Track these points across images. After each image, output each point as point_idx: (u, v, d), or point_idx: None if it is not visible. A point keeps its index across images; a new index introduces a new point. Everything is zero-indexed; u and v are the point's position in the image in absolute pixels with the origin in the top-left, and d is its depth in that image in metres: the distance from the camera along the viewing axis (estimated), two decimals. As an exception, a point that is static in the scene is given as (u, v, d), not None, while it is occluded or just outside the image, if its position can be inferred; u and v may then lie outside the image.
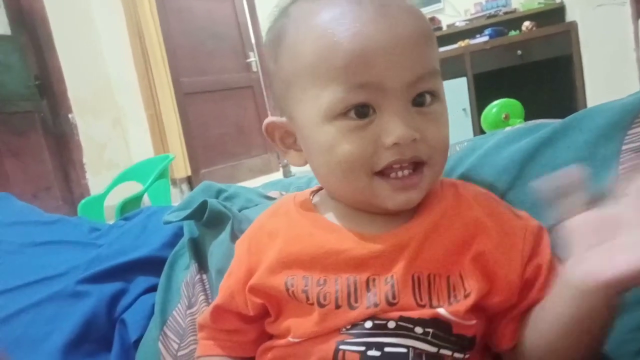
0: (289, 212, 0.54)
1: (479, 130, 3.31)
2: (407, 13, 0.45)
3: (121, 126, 3.52)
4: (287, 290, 0.47)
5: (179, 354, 0.72)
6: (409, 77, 0.44)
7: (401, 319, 0.44)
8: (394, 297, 0.44)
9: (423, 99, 0.46)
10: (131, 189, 2.85)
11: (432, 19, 3.82)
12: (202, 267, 0.81)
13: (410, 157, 0.45)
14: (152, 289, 0.86)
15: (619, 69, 2.94)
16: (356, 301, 0.45)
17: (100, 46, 3.42)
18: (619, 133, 0.51)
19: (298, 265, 0.48)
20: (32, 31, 3.08)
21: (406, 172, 0.46)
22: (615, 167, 0.50)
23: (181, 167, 3.77)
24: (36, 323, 0.78)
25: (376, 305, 0.44)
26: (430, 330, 0.43)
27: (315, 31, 0.46)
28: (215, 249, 0.78)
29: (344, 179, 0.47)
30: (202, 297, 0.74)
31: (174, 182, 3.72)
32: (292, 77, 0.48)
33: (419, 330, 0.43)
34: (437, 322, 0.43)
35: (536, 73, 3.50)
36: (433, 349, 0.43)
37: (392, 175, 0.46)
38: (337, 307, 0.45)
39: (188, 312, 0.75)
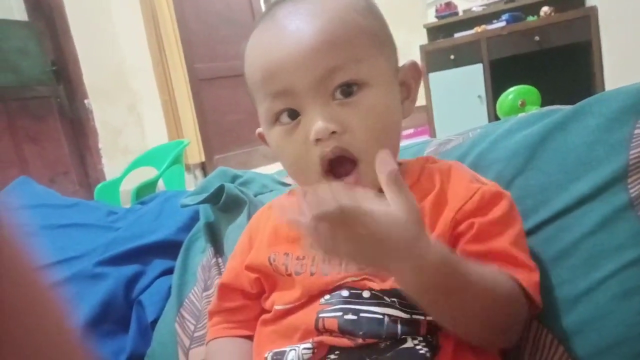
0: (281, 203, 0.59)
1: (494, 117, 3.27)
2: (312, 19, 0.49)
3: (136, 112, 3.54)
4: (270, 264, 0.54)
5: (195, 334, 0.74)
6: (312, 75, 0.48)
7: (371, 289, 0.47)
8: None
9: (350, 90, 0.49)
10: (146, 174, 2.88)
11: (449, 4, 3.77)
12: (218, 250, 0.82)
13: (332, 148, 0.48)
14: (169, 271, 0.88)
15: None
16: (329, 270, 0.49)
17: (115, 32, 3.44)
18: (631, 117, 0.51)
19: (281, 245, 0.54)
20: (48, 17, 3.11)
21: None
22: (625, 152, 0.49)
23: (195, 153, 3.79)
24: (57, 302, 0.80)
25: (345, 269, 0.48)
26: (396, 299, 0.46)
27: (247, 55, 0.54)
28: (232, 232, 0.79)
29: (298, 179, 0.53)
30: (218, 280, 0.76)
31: (188, 168, 3.74)
32: (249, 93, 0.56)
33: (387, 299, 0.47)
34: (397, 292, 0.46)
35: (554, 59, 3.44)
36: (406, 315, 0.46)
37: (338, 175, 0.50)
38: (312, 274, 0.50)
39: (204, 294, 0.77)
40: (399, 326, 0.45)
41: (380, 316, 0.46)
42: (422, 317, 0.46)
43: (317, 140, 0.48)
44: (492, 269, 0.44)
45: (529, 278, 0.45)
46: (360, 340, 0.45)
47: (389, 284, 0.47)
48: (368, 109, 0.49)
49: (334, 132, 0.48)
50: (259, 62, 0.51)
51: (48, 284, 0.19)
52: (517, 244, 0.47)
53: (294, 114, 0.50)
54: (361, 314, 0.46)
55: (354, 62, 0.49)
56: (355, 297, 0.47)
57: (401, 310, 0.46)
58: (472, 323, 0.44)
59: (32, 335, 0.17)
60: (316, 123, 0.47)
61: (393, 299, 0.47)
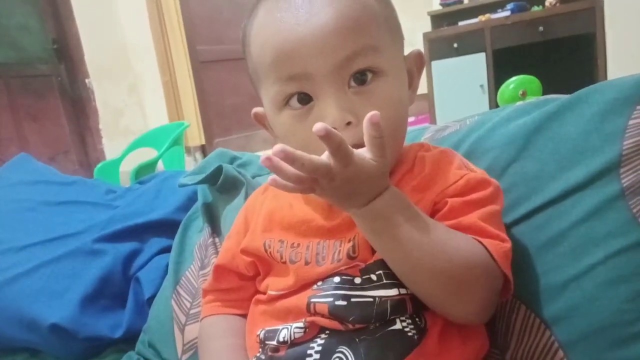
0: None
1: (495, 107, 3.24)
2: (330, 1, 0.47)
3: (137, 93, 3.54)
4: (266, 250, 0.54)
5: (191, 311, 0.75)
6: (332, 61, 0.46)
7: (361, 272, 0.48)
8: (354, 252, 0.49)
9: (364, 78, 0.48)
10: (146, 154, 2.88)
11: (453, -8, 3.73)
12: (215, 230, 0.83)
13: (350, 144, 0.44)
14: (166, 249, 0.89)
15: (644, 49, 2.86)
16: (323, 259, 0.50)
17: (118, 12, 3.42)
18: (627, 108, 0.51)
19: (277, 231, 0.54)
20: (50, -6, 3.09)
21: None
22: (619, 142, 0.50)
23: (195, 136, 3.79)
24: (56, 277, 0.82)
25: (339, 260, 0.49)
26: (381, 271, 0.47)
27: (256, 33, 0.51)
28: (229, 213, 0.80)
29: None
30: (214, 260, 0.77)
31: (188, 151, 3.75)
32: (252, 73, 0.54)
33: (374, 277, 0.47)
34: (382, 262, 0.47)
35: (557, 51, 3.42)
36: (393, 292, 0.46)
37: None
38: (306, 263, 0.50)
39: (201, 272, 0.78)
40: (389, 307, 0.46)
41: (371, 299, 0.46)
42: (406, 291, 0.46)
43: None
44: (457, 233, 0.45)
45: (497, 247, 0.45)
46: (350, 326, 0.46)
47: (376, 256, 0.48)
48: (383, 100, 0.47)
49: (349, 123, 0.46)
50: (272, 43, 0.48)
51: None
52: (487, 220, 0.47)
53: (305, 99, 0.49)
54: (352, 299, 0.47)
55: (372, 49, 0.48)
56: (347, 283, 0.48)
57: (389, 285, 0.47)
58: (432, 280, 0.44)
59: None
60: (332, 112, 0.46)
61: (379, 272, 0.47)
